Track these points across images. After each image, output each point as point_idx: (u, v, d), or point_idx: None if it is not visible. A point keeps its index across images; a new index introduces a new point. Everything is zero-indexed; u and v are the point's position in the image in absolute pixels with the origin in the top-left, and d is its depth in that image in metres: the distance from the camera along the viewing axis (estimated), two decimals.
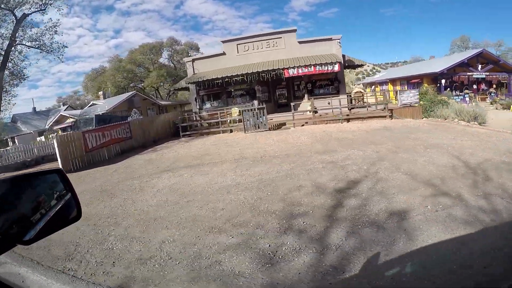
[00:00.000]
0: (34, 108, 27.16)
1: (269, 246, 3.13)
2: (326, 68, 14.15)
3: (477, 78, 22.83)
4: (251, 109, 12.41)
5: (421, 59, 46.33)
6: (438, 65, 22.59)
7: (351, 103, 15.33)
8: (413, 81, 25.09)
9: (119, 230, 4.16)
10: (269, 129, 12.67)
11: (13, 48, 13.60)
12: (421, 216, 3.70)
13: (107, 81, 27.67)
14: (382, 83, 33.65)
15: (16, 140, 22.12)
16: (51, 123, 22.92)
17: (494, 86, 23.44)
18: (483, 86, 23.69)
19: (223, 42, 16.49)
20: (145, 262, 3.21)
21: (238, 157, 7.76)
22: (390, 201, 4.20)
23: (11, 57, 13.88)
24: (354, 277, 2.49)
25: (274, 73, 14.13)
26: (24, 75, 15.02)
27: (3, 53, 13.38)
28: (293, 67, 14.01)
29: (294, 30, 15.88)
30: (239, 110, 15.18)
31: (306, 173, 5.59)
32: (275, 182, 5.27)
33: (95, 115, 15.27)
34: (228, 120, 14.34)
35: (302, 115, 14.39)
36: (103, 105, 21.17)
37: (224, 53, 16.23)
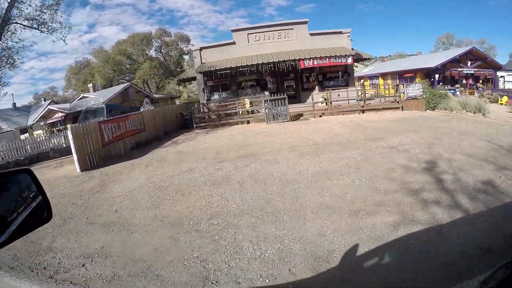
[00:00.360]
0: (14, 104, 25.10)
1: (427, 216, 3.52)
2: (340, 61, 14.82)
3: (466, 74, 24.91)
4: (273, 100, 12.70)
5: (405, 55, 49.11)
6: (432, 60, 24.31)
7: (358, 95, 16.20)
8: (406, 75, 26.72)
9: (245, 231, 3.65)
10: (289, 120, 13.04)
11: (6, 27, 12.26)
12: (504, 184, 4.52)
13: (96, 73, 26.39)
14: (372, 77, 35.37)
15: None
16: (37, 119, 21.51)
17: (481, 81, 25.72)
18: (470, 81, 25.88)
19: (233, 31, 16.58)
20: (332, 259, 2.90)
21: (289, 146, 7.86)
22: (473, 175, 4.90)
23: (3, 39, 12.55)
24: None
25: (290, 63, 14.54)
26: (15, 60, 13.75)
27: None
28: (309, 59, 14.50)
29: (306, 22, 16.36)
30: (250, 101, 15.46)
31: (381, 158, 6.03)
32: (362, 166, 5.59)
33: (106, 104, 14.57)
34: (242, 111, 14.51)
35: (313, 106, 14.98)
36: (96, 98, 20.25)
37: (234, 43, 16.33)
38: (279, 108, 12.77)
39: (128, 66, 28.71)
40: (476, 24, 73.83)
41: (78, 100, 22.47)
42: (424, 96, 15.70)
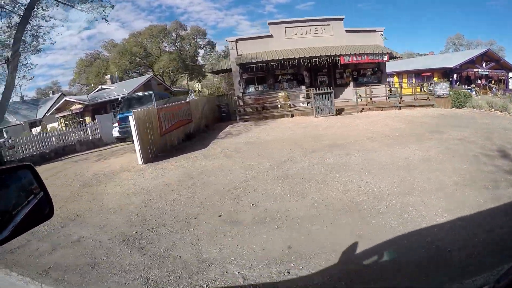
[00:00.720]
0: (22, 96, 25.36)
1: None
2: (377, 58, 16.36)
3: (481, 74, 27.21)
4: (320, 94, 14.09)
5: (414, 55, 51.69)
6: (450, 60, 26.41)
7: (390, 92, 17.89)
8: (424, 74, 28.75)
9: (422, 208, 4.15)
10: (334, 114, 14.43)
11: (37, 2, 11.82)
12: None
13: (111, 65, 26.96)
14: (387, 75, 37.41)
15: (4, 133, 20.94)
16: (51, 111, 21.94)
17: (493, 82, 28.12)
18: (483, 81, 28.25)
19: (270, 24, 17.76)
20: (503, 218, 3.76)
21: (366, 137, 8.68)
22: None
23: (33, 16, 12.02)
24: None
25: (329, 58, 15.95)
26: (41, 40, 13.30)
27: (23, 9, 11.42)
28: (349, 55, 15.96)
29: (342, 19, 17.79)
30: (287, 95, 16.84)
31: (460, 147, 7.19)
32: (452, 154, 6.65)
33: (153, 91, 15.17)
34: (282, 105, 15.83)
35: (348, 102, 16.54)
36: (118, 89, 20.92)
37: (271, 36, 17.51)
38: (325, 102, 14.19)
39: (139, 59, 29.29)
40: (483, 26, 77.64)
41: (96, 91, 23.06)
42: (451, 94, 17.59)
